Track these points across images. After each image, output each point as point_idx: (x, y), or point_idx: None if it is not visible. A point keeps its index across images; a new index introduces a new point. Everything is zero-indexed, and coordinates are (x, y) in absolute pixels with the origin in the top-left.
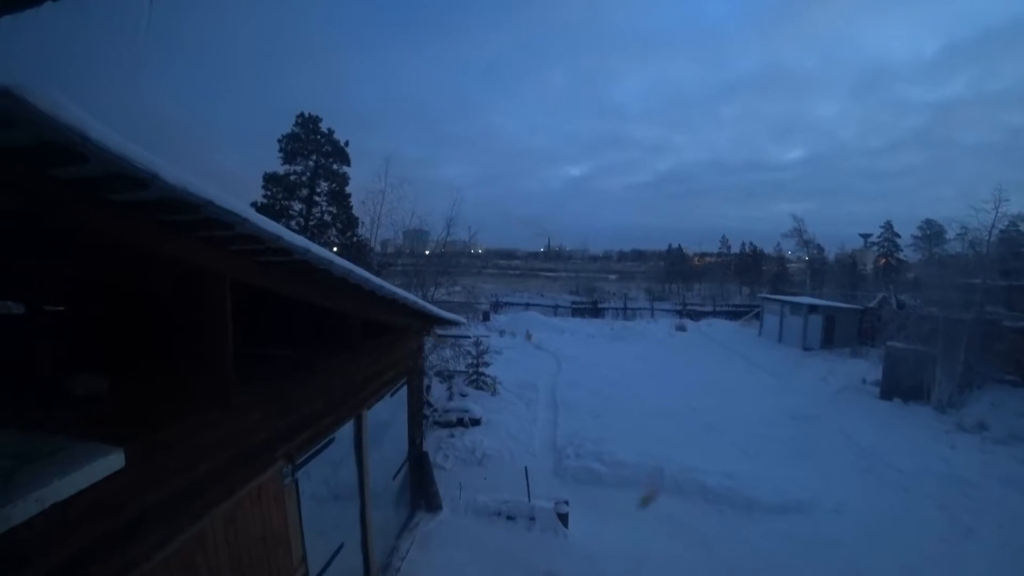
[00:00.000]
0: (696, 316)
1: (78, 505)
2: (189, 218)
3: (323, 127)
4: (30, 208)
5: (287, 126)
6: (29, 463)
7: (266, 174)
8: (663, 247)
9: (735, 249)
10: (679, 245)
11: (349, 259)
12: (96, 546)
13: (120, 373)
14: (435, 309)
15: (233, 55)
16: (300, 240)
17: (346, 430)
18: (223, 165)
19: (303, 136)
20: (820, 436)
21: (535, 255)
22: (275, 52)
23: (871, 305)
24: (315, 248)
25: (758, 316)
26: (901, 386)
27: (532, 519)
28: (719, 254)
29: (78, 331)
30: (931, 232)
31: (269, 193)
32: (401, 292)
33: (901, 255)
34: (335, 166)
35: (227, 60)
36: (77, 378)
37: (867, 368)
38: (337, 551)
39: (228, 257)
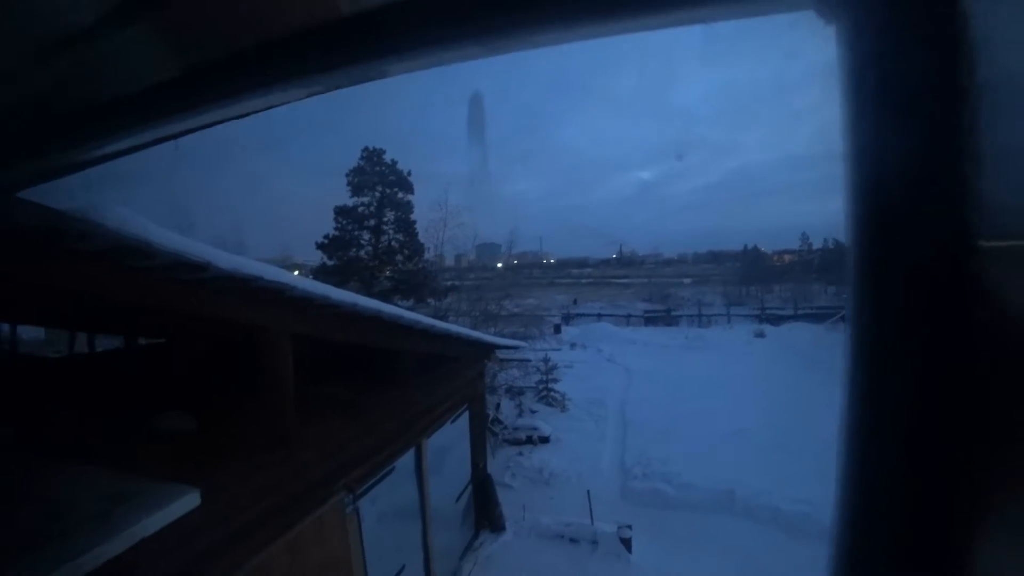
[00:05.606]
0: (776, 321)
1: (157, 540)
2: (245, 287)
3: (387, 158)
4: (109, 291)
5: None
6: (121, 504)
7: (336, 207)
8: (738, 247)
9: (817, 246)
10: (755, 245)
11: (415, 284)
12: None
13: (196, 412)
14: (490, 337)
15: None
16: (347, 295)
17: (406, 459)
18: (315, 199)
19: (368, 169)
20: None
21: (607, 262)
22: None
23: None
24: (362, 300)
25: (844, 319)
26: None
27: (595, 543)
28: (799, 251)
29: (163, 371)
30: None
31: (339, 225)
32: (455, 327)
33: None
34: (399, 195)
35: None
36: (162, 416)
37: None
38: (398, 574)
39: (283, 315)
